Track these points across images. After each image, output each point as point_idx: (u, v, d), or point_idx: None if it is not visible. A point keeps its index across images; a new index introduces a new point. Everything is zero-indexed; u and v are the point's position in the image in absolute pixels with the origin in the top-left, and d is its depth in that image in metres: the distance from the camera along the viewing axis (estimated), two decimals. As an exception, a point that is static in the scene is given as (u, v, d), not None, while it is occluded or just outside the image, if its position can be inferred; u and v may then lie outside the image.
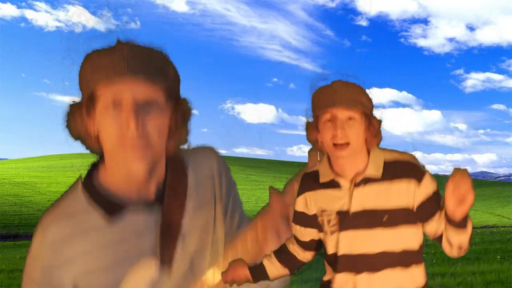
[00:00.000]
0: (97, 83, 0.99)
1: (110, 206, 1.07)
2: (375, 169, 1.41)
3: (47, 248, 1.06)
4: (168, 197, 1.09)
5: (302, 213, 1.51)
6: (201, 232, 1.14)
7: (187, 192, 1.13)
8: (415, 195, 1.39)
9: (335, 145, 1.37)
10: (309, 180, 1.50)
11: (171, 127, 1.07)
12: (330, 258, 1.48)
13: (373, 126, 1.41)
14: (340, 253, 1.44)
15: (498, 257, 7.91)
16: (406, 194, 1.39)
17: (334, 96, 1.39)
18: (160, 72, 1.02)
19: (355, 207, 1.41)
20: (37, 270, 1.08)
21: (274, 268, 1.47)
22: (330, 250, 1.47)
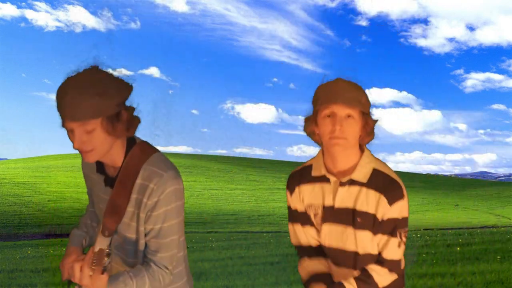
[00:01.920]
0: None
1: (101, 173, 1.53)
2: (362, 175, 1.50)
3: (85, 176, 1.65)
4: (116, 186, 1.45)
5: (297, 210, 1.60)
6: (130, 223, 1.48)
7: (134, 187, 1.45)
8: (384, 212, 1.49)
9: (331, 138, 1.45)
10: (299, 175, 1.60)
11: (114, 134, 1.38)
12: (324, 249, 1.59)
13: (368, 125, 1.50)
14: (324, 244, 1.57)
15: (498, 257, 7.90)
16: (378, 206, 1.49)
17: (336, 94, 1.45)
18: (86, 115, 1.30)
19: (338, 203, 1.52)
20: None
21: None
22: (321, 241, 1.58)
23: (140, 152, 1.46)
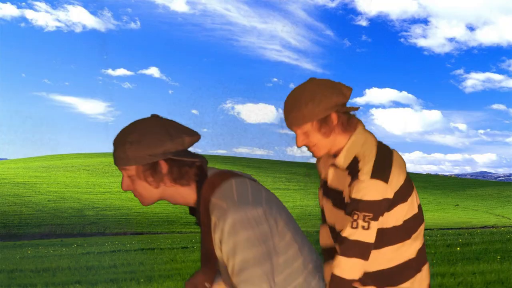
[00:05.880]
0: None
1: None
2: (342, 161, 1.59)
3: None
4: (202, 231, 1.44)
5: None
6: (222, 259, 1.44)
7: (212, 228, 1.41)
8: (349, 192, 1.56)
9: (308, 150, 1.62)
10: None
11: (155, 183, 1.41)
12: None
13: (327, 125, 1.56)
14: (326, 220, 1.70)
15: (498, 257, 7.91)
16: (346, 187, 1.58)
17: (286, 118, 1.60)
18: (121, 160, 1.39)
19: (329, 181, 1.66)
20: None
21: None
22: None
23: (208, 187, 1.42)
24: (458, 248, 9.44)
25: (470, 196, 64.64)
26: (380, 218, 1.53)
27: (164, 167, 1.37)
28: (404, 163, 1.61)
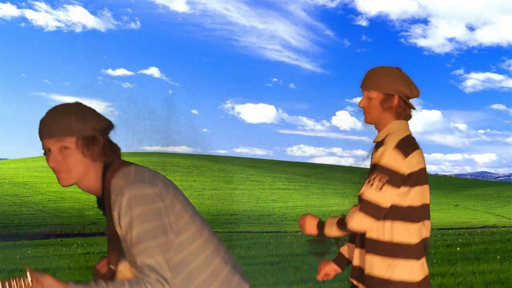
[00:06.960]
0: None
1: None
2: (379, 137, 1.80)
3: None
4: (107, 215, 1.48)
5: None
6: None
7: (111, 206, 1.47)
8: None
9: None
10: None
11: (90, 156, 1.45)
12: None
13: (389, 102, 1.78)
14: None
15: (498, 257, 7.91)
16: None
17: (367, 81, 1.83)
18: (62, 131, 1.41)
19: (371, 163, 1.81)
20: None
21: None
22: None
23: (112, 172, 1.48)
24: (458, 248, 9.43)
25: (470, 196, 64.61)
26: (398, 191, 1.66)
27: (101, 140, 1.46)
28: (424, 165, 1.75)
